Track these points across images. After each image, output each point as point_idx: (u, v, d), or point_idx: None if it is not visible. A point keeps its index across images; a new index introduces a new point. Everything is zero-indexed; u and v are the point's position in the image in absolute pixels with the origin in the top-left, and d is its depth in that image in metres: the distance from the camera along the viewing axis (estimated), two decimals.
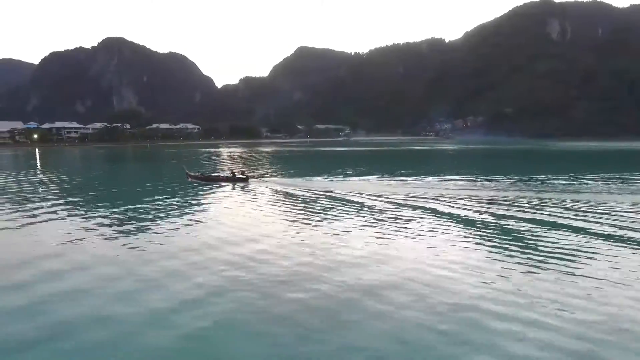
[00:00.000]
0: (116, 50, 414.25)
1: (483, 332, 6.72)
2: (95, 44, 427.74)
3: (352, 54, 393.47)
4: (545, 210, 16.15)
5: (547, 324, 6.89)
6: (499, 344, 6.35)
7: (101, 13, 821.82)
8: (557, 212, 15.75)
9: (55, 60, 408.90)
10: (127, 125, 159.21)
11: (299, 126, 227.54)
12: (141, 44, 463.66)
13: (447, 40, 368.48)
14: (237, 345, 6.50)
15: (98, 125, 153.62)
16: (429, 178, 29.22)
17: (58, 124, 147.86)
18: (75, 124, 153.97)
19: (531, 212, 15.93)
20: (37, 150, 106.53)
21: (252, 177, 28.81)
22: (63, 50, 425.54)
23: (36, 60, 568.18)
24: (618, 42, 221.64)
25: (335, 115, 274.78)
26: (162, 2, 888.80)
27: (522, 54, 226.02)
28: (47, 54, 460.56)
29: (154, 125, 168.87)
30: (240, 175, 28.14)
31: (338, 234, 13.11)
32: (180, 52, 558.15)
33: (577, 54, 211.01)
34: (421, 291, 8.37)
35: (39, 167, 50.35)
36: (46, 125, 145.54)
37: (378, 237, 12.65)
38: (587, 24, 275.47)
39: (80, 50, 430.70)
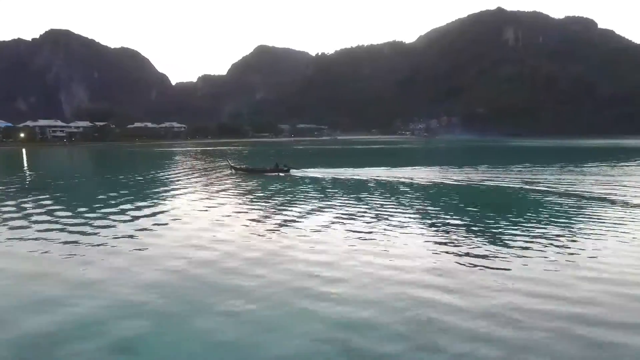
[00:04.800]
0: (62, 43, 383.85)
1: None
2: (37, 36, 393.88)
3: (319, 54, 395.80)
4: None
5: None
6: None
7: (42, 3, 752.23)
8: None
9: None
10: (112, 125, 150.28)
11: (281, 126, 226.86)
12: (89, 37, 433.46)
13: (405, 42, 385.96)
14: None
15: (82, 124, 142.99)
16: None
17: (42, 122, 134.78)
18: (60, 122, 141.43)
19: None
20: (23, 150, 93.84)
21: (292, 168, 31.92)
22: None
23: None
24: (568, 50, 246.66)
25: (308, 114, 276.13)
26: None
27: (487, 59, 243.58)
28: None
29: (142, 124, 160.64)
30: (283, 167, 31.24)
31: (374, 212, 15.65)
32: (131, 47, 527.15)
33: (538, 60, 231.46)
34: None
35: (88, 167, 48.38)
36: (28, 124, 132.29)
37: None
38: (531, 32, 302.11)
39: (19, 42, 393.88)
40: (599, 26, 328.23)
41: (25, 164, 54.40)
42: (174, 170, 38.78)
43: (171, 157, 61.72)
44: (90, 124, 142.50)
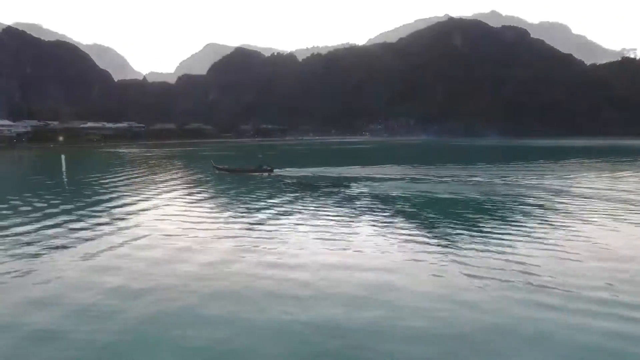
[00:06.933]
0: None
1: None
2: None
3: (275, 54, 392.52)
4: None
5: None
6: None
7: None
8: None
9: None
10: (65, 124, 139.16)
11: (244, 126, 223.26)
12: (19, 28, 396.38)
13: (358, 44, 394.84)
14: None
15: (32, 123, 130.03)
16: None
17: None
18: (7, 122, 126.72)
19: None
20: None
21: (275, 169, 33.92)
22: None
23: None
24: (507, 57, 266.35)
25: (267, 115, 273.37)
26: None
27: (441, 63, 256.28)
28: None
29: (99, 124, 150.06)
30: (266, 167, 33.11)
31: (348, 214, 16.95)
32: (69, 40, 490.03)
33: (483, 65, 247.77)
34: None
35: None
36: None
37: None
38: (474, 39, 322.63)
39: None
40: (532, 35, 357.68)
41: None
42: (157, 172, 39.61)
43: (150, 160, 61.05)
44: (42, 123, 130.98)
